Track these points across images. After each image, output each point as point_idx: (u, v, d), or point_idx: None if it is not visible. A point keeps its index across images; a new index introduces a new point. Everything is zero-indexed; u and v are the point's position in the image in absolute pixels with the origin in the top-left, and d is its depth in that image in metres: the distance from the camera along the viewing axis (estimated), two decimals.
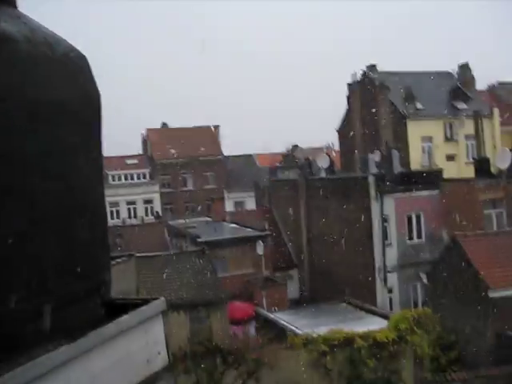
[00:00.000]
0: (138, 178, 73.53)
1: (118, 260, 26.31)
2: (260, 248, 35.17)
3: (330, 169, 46.42)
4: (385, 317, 22.91)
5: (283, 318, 24.39)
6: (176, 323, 25.38)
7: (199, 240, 35.70)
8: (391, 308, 32.15)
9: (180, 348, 19.33)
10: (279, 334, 22.51)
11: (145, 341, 3.47)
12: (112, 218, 63.72)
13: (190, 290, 29.47)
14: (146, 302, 3.59)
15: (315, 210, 38.78)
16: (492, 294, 26.79)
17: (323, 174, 43.63)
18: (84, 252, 3.39)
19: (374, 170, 40.04)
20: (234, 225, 42.58)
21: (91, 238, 3.47)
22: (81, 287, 3.32)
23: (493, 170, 37.35)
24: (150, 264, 30.38)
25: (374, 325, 21.65)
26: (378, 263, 33.03)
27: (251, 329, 27.20)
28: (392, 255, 33.64)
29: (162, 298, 3.64)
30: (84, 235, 3.38)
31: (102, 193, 3.80)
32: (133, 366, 3.36)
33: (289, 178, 48.70)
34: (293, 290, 36.42)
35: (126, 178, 72.63)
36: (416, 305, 32.14)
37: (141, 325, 3.43)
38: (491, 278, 27.14)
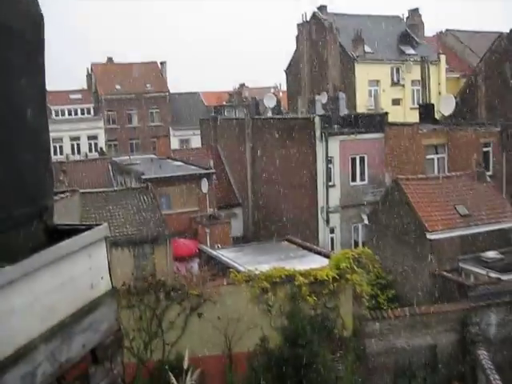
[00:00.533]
0: (82, 114, 71.98)
1: (62, 195, 25.95)
2: (204, 186, 35.21)
3: (277, 109, 46.44)
4: (326, 256, 23.42)
5: (226, 255, 24.66)
6: (120, 259, 25.43)
7: (143, 177, 35.49)
8: (332, 248, 32.95)
9: (123, 283, 19.38)
10: (222, 270, 22.80)
11: (88, 265, 3.47)
12: (55, 154, 62.54)
13: (134, 227, 29.44)
14: (89, 227, 3.57)
15: (261, 150, 38.89)
16: (430, 236, 27.70)
17: (270, 114, 43.61)
18: (26, 176, 3.32)
19: (320, 111, 40.21)
20: (178, 162, 42.39)
21: (34, 163, 3.40)
22: (23, 212, 3.27)
23: (437, 115, 38.03)
24: (94, 200, 30.13)
25: (315, 263, 22.11)
26: (320, 203, 33.59)
27: (194, 265, 27.46)
28: (335, 196, 34.24)
29: (105, 224, 3.63)
30: (26, 159, 3.30)
31: (45, 118, 3.71)
32: (76, 289, 3.36)
33: (235, 117, 48.51)
34: (236, 227, 36.79)
35: (69, 113, 71.02)
36: (357, 245, 33.00)
37: (84, 249, 3.42)
38: (430, 220, 28.01)
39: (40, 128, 3.53)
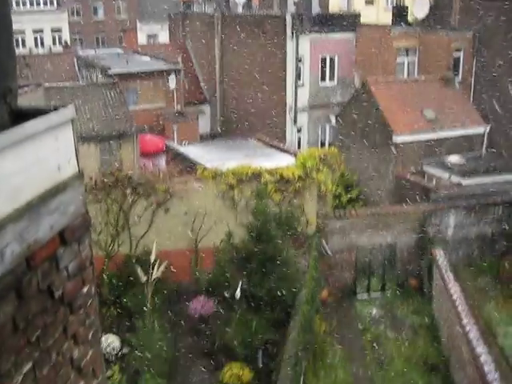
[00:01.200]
0: (45, 4, 68.95)
1: (26, 89, 25.32)
2: (172, 82, 34.63)
3: (248, 5, 45.12)
4: (293, 154, 23.59)
5: (194, 151, 24.67)
6: (86, 155, 25.24)
7: (110, 71, 34.66)
8: (299, 147, 33.11)
9: (90, 179, 19.38)
10: (189, 167, 22.88)
11: (55, 147, 3.46)
12: (17, 47, 60.38)
13: (101, 122, 29.08)
14: (55, 109, 3.52)
15: (230, 47, 38.10)
16: (396, 139, 27.97)
17: (240, 10, 42.41)
18: None
19: (292, 9, 39.26)
20: (146, 57, 41.38)
21: None
22: None
23: (410, 18, 37.40)
24: (59, 95, 29.48)
25: (281, 162, 22.30)
26: (289, 103, 33.44)
27: (161, 162, 27.49)
28: (304, 96, 34.07)
29: (71, 106, 3.59)
30: None
31: None
32: (43, 171, 3.36)
33: (205, 12, 47.07)
34: (204, 125, 36.57)
35: (31, 4, 67.98)
36: (323, 145, 33.23)
37: (50, 131, 3.39)
38: (396, 123, 28.18)
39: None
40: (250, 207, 19.58)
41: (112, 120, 29.39)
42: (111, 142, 28.39)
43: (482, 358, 16.18)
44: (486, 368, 15.73)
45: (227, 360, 17.20)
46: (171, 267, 19.48)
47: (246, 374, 16.65)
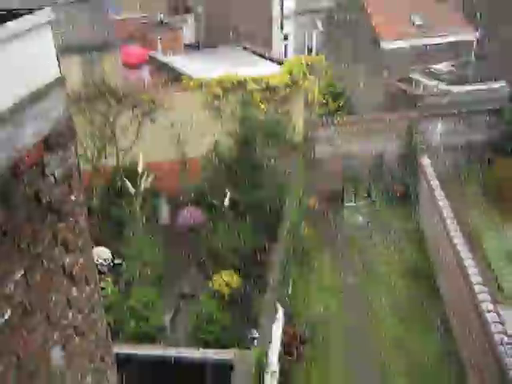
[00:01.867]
0: None
1: None
2: None
3: None
4: (279, 63, 23.19)
5: (178, 62, 24.19)
6: (68, 67, 24.64)
7: None
8: (286, 55, 32.51)
9: (73, 91, 19.01)
10: (174, 77, 22.48)
11: (33, 51, 3.35)
12: None
13: (82, 33, 28.23)
14: (30, 11, 3.39)
15: None
16: (383, 45, 27.54)
17: None
18: None
19: None
20: None
21: None
22: None
23: None
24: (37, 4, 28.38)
25: (268, 70, 21.94)
26: (275, 9, 32.55)
27: (145, 73, 26.97)
28: (290, 1, 33.12)
29: (48, 9, 3.45)
30: None
31: None
32: (24, 75, 3.27)
33: None
34: (188, 34, 35.69)
35: None
36: (311, 52, 32.63)
37: (29, 32, 3.28)
38: (386, 30, 27.66)
39: None
40: (237, 116, 19.43)
41: (94, 30, 28.54)
42: (93, 53, 27.66)
43: (467, 262, 16.58)
44: (469, 271, 16.16)
45: (217, 268, 17.52)
46: (159, 178, 19.53)
47: (236, 280, 17.01)
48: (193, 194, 19.26)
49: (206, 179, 18.51)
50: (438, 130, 25.37)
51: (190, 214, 19.33)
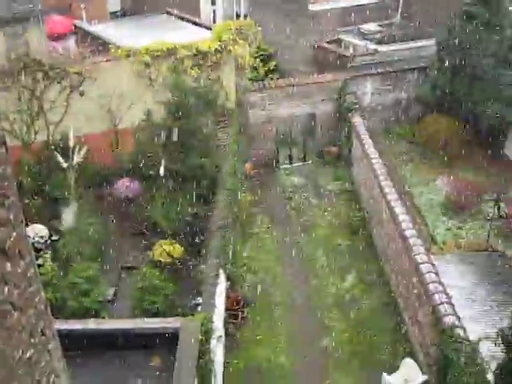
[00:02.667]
0: None
1: None
2: None
3: None
4: (208, 28, 22.96)
5: (104, 30, 23.61)
6: None
7: None
8: (214, 21, 32.16)
9: None
10: (101, 47, 21.96)
11: None
12: None
13: (3, 5, 27.18)
14: None
15: None
16: (312, 8, 27.60)
17: None
18: None
19: None
20: None
21: None
22: None
23: None
24: None
25: (197, 36, 21.69)
26: None
27: (71, 43, 26.23)
28: None
29: None
30: None
31: None
32: None
33: None
34: (113, 1, 34.76)
35: None
36: (239, 17, 32.37)
37: None
38: None
39: None
40: (168, 84, 19.19)
41: (14, 1, 27.51)
42: (15, 25, 26.70)
43: (401, 217, 17.08)
44: (403, 225, 16.66)
45: (157, 238, 17.47)
46: (92, 151, 19.21)
47: (176, 249, 17.02)
48: (127, 165, 19.01)
49: (140, 149, 18.28)
50: (368, 90, 25.74)
51: (127, 186, 19.12)
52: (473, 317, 15.31)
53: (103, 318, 14.64)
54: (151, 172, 17.90)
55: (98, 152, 19.61)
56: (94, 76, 19.63)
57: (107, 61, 20.13)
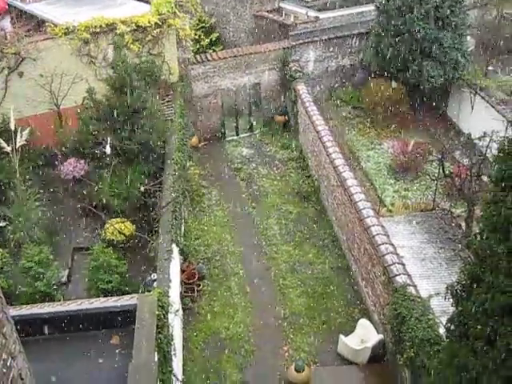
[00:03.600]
0: None
1: None
2: None
3: None
4: (146, 2, 22.54)
5: (40, 8, 22.83)
6: None
7: None
8: None
9: None
10: (38, 25, 21.37)
11: None
12: None
13: None
14: None
15: None
16: None
17: None
18: None
19: None
20: None
21: None
22: None
23: None
24: None
25: (136, 10, 21.28)
26: None
27: (6, 23, 25.43)
28: None
29: None
30: None
31: None
32: None
33: None
34: None
35: None
36: None
37: None
38: None
39: None
40: (109, 61, 18.86)
41: None
42: None
43: (349, 182, 17.35)
44: (352, 190, 16.94)
45: (108, 217, 17.32)
46: (35, 133, 18.81)
47: (128, 227, 16.93)
48: (73, 145, 18.68)
49: (85, 128, 17.96)
50: (311, 57, 25.83)
51: (73, 166, 18.85)
52: (423, 274, 15.80)
53: (59, 300, 14.51)
54: (97, 151, 17.66)
55: (42, 133, 19.23)
56: (33, 56, 19.16)
57: (45, 39, 19.63)
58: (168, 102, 20.80)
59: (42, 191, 18.31)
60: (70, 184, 18.88)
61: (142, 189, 17.21)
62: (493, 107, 21.50)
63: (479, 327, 8.17)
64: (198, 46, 25.58)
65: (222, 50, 26.07)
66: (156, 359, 10.29)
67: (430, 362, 11.34)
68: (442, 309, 12.51)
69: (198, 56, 24.03)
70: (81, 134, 17.92)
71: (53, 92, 19.54)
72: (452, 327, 9.33)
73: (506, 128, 19.80)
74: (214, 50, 26.03)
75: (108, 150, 17.12)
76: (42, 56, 19.30)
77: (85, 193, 18.01)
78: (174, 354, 12.45)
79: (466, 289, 8.85)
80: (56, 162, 19.50)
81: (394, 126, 23.91)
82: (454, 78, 23.14)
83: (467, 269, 8.83)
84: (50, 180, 19.28)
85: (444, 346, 10.40)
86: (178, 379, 12.94)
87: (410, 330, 12.35)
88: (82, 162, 18.81)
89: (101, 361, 10.22)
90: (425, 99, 23.80)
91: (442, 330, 11.39)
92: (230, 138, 25.45)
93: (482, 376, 7.92)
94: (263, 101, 25.69)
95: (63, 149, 19.14)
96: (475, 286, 8.53)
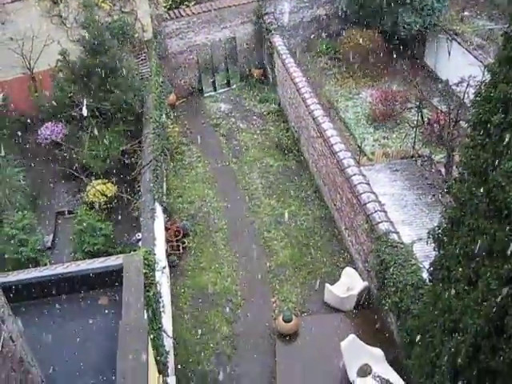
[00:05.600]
0: None
1: None
2: None
3: None
4: None
5: None
6: None
7: None
8: None
9: None
10: None
11: None
12: None
13: None
14: None
15: None
16: None
17: None
18: None
19: None
20: None
21: None
22: None
23: None
24: None
25: None
26: None
27: None
28: None
29: None
30: None
31: None
32: None
33: None
34: None
35: None
36: None
37: None
38: None
39: None
40: (80, 21, 18.50)
41: None
42: None
43: (329, 132, 17.37)
44: (332, 140, 16.97)
45: (89, 179, 17.24)
46: (8, 97, 18.55)
47: (110, 188, 16.90)
48: (49, 108, 18.44)
49: (60, 90, 17.71)
50: (285, 9, 25.49)
51: (51, 130, 18.65)
52: (405, 221, 16.01)
53: (45, 265, 14.53)
54: (74, 113, 17.47)
55: (16, 98, 18.97)
56: (1, 19, 18.74)
57: (13, 1, 19.16)
58: (143, 60, 20.53)
59: (21, 157, 18.16)
60: (48, 148, 18.70)
61: (122, 149, 17.13)
62: (469, 53, 21.47)
63: (461, 269, 8.35)
64: (170, 2, 25.07)
65: (195, 4, 25.61)
66: (146, 317, 10.40)
67: (414, 306, 11.61)
68: (425, 254, 12.73)
69: (171, 12, 23.61)
70: (56, 97, 17.70)
71: (25, 55, 19.19)
72: (435, 271, 9.53)
73: (483, 73, 19.77)
74: (187, 6, 25.55)
75: (85, 111, 16.92)
76: (11, 19, 18.89)
77: (65, 156, 17.87)
78: (163, 311, 12.59)
79: (447, 233, 9.01)
80: (33, 127, 19.27)
81: (371, 75, 23.83)
82: (430, 24, 23.01)
83: (448, 213, 8.98)
84: (28, 145, 19.08)
85: (427, 290, 10.62)
86: (168, 335, 13.13)
87: (393, 276, 12.59)
88: (60, 125, 18.61)
89: (90, 322, 10.29)
90: (402, 47, 23.68)
91: (425, 275, 11.61)
92: (208, 94, 25.24)
93: (464, 316, 8.12)
94: (239, 55, 25.41)
95: (39, 113, 18.92)
96: (456, 229, 8.69)
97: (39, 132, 18.79)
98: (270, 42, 23.70)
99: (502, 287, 7.33)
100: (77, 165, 17.44)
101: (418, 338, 10.05)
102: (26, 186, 17.04)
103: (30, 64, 19.35)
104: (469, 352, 8.02)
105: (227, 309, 15.35)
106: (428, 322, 9.63)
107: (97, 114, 17.22)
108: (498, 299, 7.37)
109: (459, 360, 8.21)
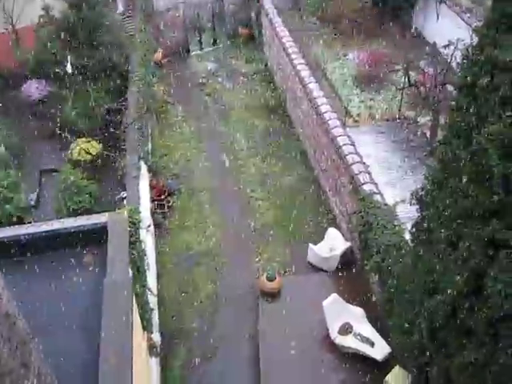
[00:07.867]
0: None
1: None
2: None
3: None
4: None
5: None
6: None
7: None
8: None
9: None
10: None
11: None
12: None
13: None
14: None
15: None
16: None
17: None
18: None
19: None
20: None
21: None
22: None
23: None
24: None
25: None
26: None
27: None
28: None
29: None
30: None
31: None
32: None
33: None
34: None
35: None
36: None
37: None
38: None
39: None
40: None
41: None
42: None
43: (315, 93, 17.30)
44: (318, 101, 16.92)
45: (73, 137, 17.10)
46: None
47: (94, 146, 16.81)
48: (33, 66, 18.16)
49: (43, 47, 17.42)
50: None
51: (35, 87, 18.43)
52: (389, 182, 16.08)
53: (29, 223, 14.49)
54: (58, 70, 17.23)
55: None
56: None
57: None
58: (128, 17, 20.23)
59: (4, 114, 17.96)
60: (32, 105, 18.50)
61: (107, 107, 16.98)
62: (458, 15, 21.33)
63: (443, 231, 8.44)
64: None
65: None
66: (130, 274, 10.45)
67: (395, 267, 11.75)
68: (408, 215, 12.81)
69: None
70: (40, 53, 17.44)
71: (7, 11, 18.81)
72: (416, 232, 9.62)
73: (471, 36, 19.67)
74: None
75: (69, 68, 16.72)
76: None
77: (49, 114, 17.69)
78: (148, 269, 12.66)
79: (430, 194, 9.07)
80: (16, 84, 19.01)
81: (359, 36, 23.62)
82: None
83: (431, 175, 9.03)
84: (12, 102, 18.85)
85: (409, 251, 10.73)
86: (152, 293, 13.23)
87: (376, 237, 12.70)
88: (44, 82, 18.38)
89: (75, 279, 10.32)
90: (391, 9, 23.46)
91: (407, 236, 11.72)
92: (194, 53, 25.00)
93: (444, 277, 8.25)
94: (227, 14, 25.09)
95: (23, 70, 18.64)
96: (439, 191, 8.75)
97: (22, 89, 18.56)
98: (258, 1, 23.39)
99: (481, 248, 7.44)
100: (61, 123, 17.28)
101: (399, 297, 10.20)
102: (9, 143, 16.90)
103: (12, 20, 19.00)
104: (447, 312, 8.17)
105: (211, 268, 15.44)
106: (408, 282, 9.76)
107: (81, 71, 17.00)
108: (477, 260, 7.49)
109: (438, 319, 8.36)
